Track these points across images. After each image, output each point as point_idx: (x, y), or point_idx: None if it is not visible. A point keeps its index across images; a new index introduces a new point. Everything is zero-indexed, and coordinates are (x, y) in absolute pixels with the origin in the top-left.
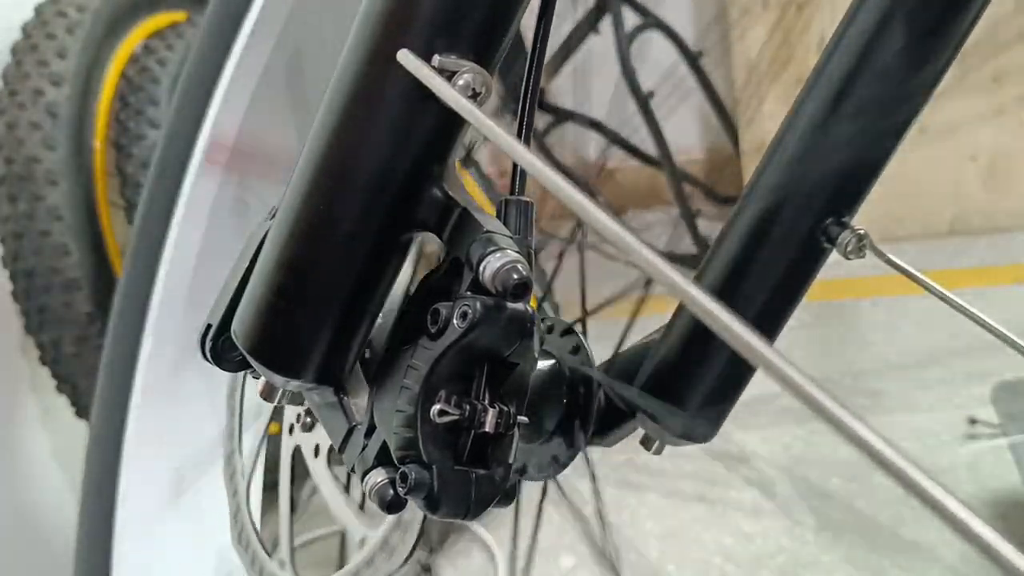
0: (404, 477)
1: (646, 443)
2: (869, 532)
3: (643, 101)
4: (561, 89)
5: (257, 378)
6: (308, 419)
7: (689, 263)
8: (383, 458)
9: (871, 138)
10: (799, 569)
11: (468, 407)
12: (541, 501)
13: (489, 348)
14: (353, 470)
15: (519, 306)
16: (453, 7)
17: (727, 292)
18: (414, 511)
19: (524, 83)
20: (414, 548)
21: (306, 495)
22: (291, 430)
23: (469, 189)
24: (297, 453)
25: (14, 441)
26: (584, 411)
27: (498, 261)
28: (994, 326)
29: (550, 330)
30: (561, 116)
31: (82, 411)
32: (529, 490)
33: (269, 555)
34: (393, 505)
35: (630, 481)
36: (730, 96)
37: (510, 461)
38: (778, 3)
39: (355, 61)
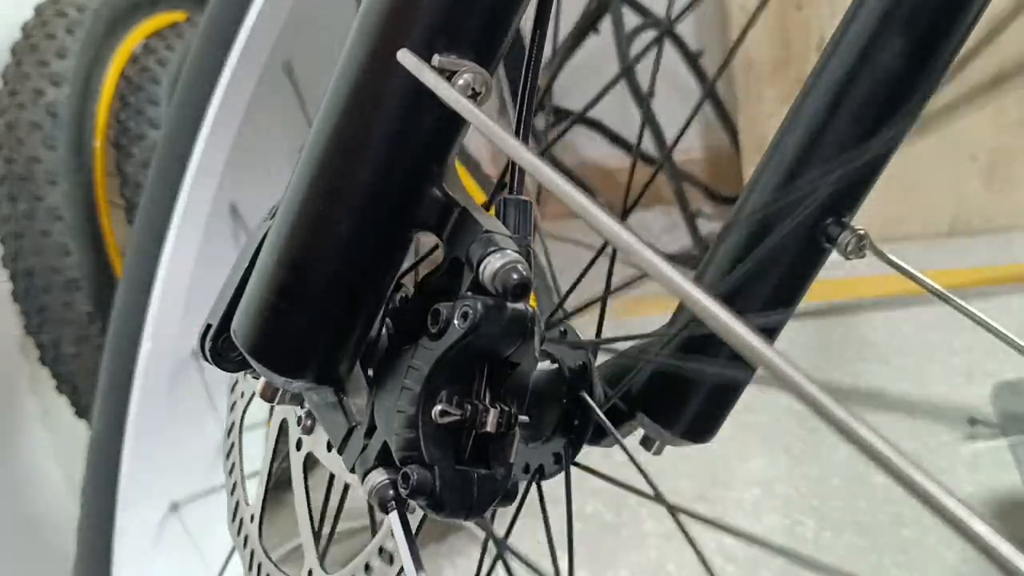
0: (406, 478)
1: (646, 443)
2: (869, 532)
3: (643, 101)
4: (561, 88)
5: (257, 378)
6: (309, 422)
7: (689, 263)
8: (384, 458)
9: (871, 138)
10: (799, 569)
11: (469, 407)
12: (542, 500)
13: (490, 348)
14: (353, 470)
15: (519, 306)
16: (453, 7)
17: (727, 292)
18: None
19: (522, 82)
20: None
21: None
22: (299, 445)
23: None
24: (309, 457)
25: (14, 441)
26: (583, 414)
27: (498, 261)
28: (994, 326)
29: (563, 334)
30: (561, 116)
31: (82, 411)
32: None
33: (268, 555)
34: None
35: (630, 481)
36: (730, 96)
37: (511, 461)
38: (778, 3)
39: (355, 61)
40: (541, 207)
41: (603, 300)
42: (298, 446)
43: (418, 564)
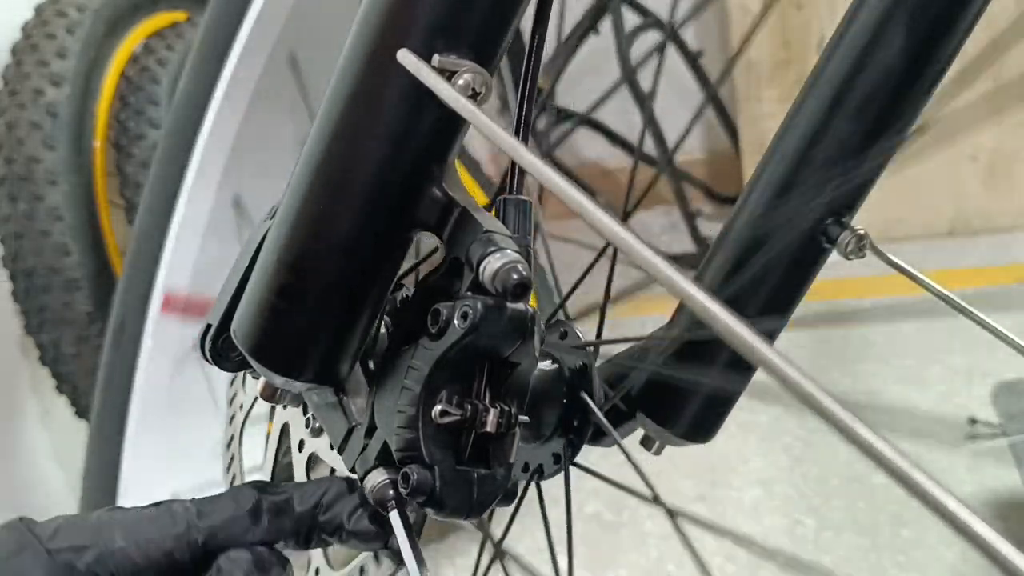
0: (406, 478)
1: (646, 443)
2: (869, 532)
3: (643, 101)
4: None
5: (257, 378)
6: (317, 424)
7: (689, 263)
8: (384, 458)
9: (871, 138)
10: (798, 571)
11: (469, 407)
12: (542, 504)
13: (490, 348)
14: (353, 470)
15: (519, 306)
16: (453, 7)
17: (727, 292)
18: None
19: (521, 82)
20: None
21: None
22: (301, 446)
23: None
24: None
25: (14, 441)
26: (582, 414)
27: (498, 261)
28: (994, 326)
29: (563, 336)
30: (561, 116)
31: (82, 411)
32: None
33: None
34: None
35: (630, 481)
36: (730, 96)
37: (511, 460)
38: (778, 3)
39: (355, 61)
40: (542, 207)
41: (604, 301)
42: (300, 447)
43: (420, 563)
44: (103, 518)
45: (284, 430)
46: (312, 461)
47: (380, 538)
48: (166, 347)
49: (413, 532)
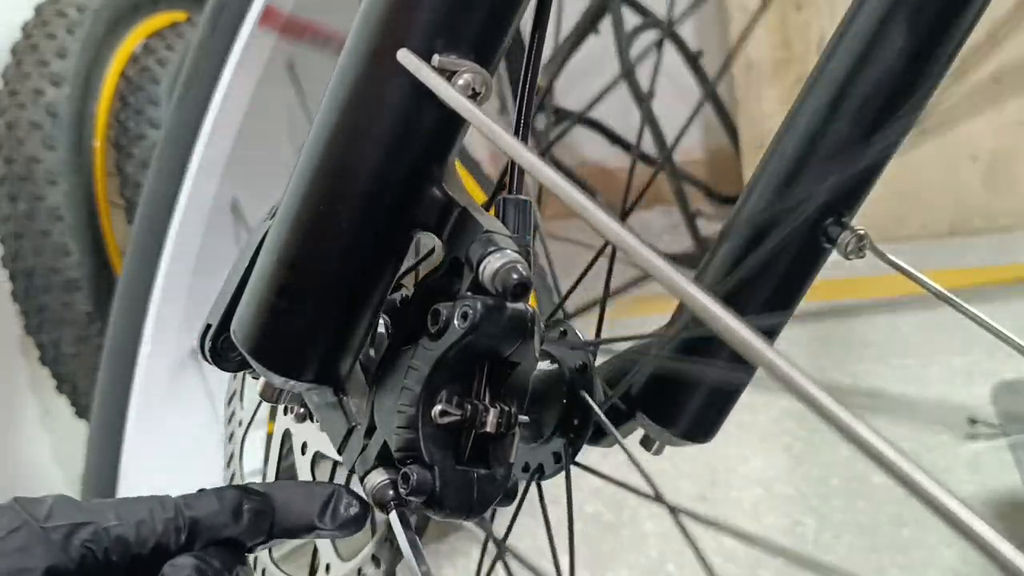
0: (406, 478)
1: (646, 443)
2: (869, 532)
3: (643, 101)
4: (561, 89)
5: (257, 378)
6: (302, 410)
7: (689, 263)
8: (384, 458)
9: (871, 138)
10: (799, 569)
11: (469, 407)
12: (542, 499)
13: (490, 348)
14: (353, 470)
15: (519, 306)
16: (453, 7)
17: (727, 292)
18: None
19: (521, 82)
20: None
21: None
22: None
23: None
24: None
25: (14, 441)
26: (583, 414)
27: (498, 261)
28: (994, 326)
29: (563, 334)
30: (561, 116)
31: (82, 411)
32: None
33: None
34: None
35: (630, 481)
36: (730, 96)
37: (511, 460)
38: (778, 3)
39: (355, 60)
40: (541, 207)
41: (603, 301)
42: (303, 450)
43: (421, 562)
44: (94, 502)
45: (286, 435)
46: (317, 459)
47: (361, 523)
48: (253, 62)
49: (413, 532)
